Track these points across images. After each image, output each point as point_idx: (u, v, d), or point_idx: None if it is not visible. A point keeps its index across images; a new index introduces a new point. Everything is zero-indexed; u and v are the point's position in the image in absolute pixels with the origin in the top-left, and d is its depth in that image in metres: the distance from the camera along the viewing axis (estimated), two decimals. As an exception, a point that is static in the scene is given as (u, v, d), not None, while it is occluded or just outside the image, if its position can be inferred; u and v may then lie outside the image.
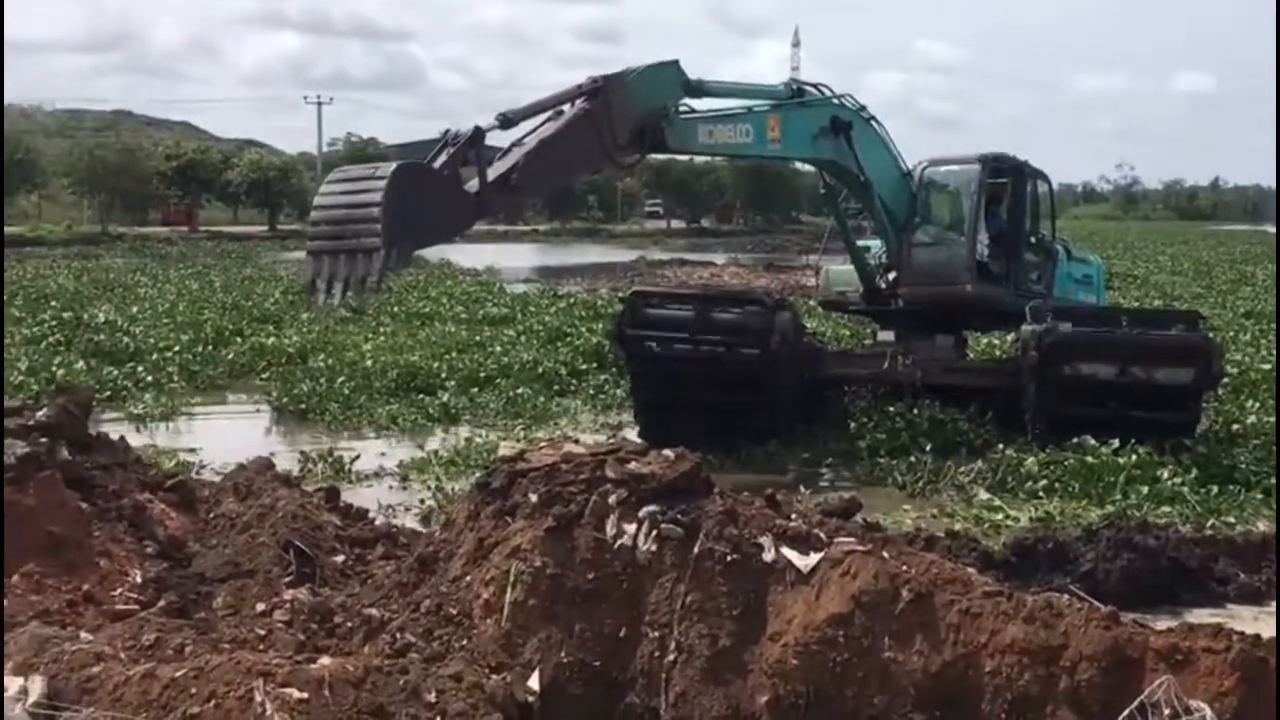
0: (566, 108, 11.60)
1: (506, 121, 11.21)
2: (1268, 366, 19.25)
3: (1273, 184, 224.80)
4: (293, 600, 6.88)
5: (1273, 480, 12.67)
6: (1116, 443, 12.82)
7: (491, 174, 10.73)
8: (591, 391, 18.20)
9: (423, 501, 12.06)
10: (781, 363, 14.13)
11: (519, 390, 17.85)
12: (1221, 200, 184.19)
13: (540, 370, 19.19)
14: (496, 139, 11.26)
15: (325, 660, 5.48)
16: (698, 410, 13.80)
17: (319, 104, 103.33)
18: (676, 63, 13.20)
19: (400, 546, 8.47)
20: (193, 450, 14.11)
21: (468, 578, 6.59)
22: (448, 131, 10.74)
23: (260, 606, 6.90)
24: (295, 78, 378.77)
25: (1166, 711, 4.93)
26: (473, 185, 10.68)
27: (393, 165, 10.15)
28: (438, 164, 10.55)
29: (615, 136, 11.93)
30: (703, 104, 13.75)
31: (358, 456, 13.77)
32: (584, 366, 19.52)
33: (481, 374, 18.97)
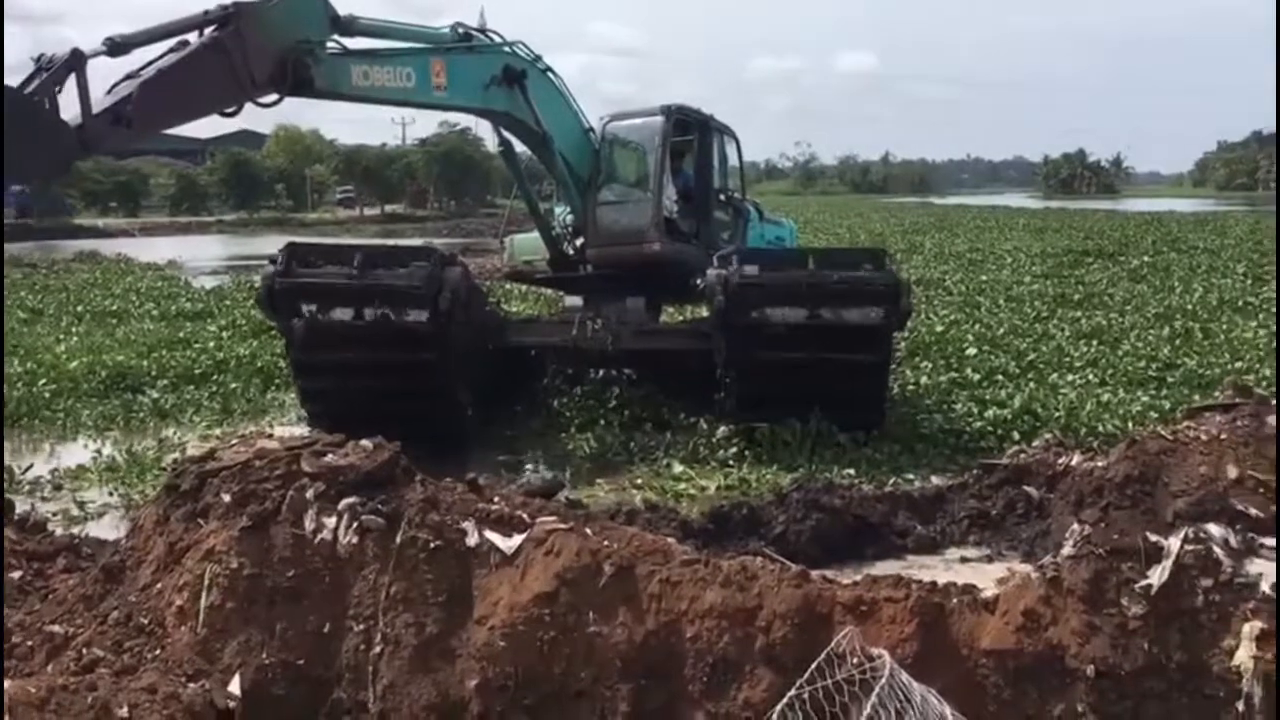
0: (192, 37, 10.15)
1: (116, 48, 9.49)
2: (940, 329, 20.58)
3: (935, 158, 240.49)
4: (-37, 624, 6.42)
5: (951, 438, 13.45)
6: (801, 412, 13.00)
7: (100, 106, 9.21)
8: (304, 383, 17.70)
9: (105, 507, 11.49)
10: (454, 325, 12.94)
11: (234, 385, 17.28)
12: (891, 174, 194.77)
13: (260, 364, 18.57)
14: (107, 70, 9.59)
15: (4, 684, 5.15)
16: (371, 397, 12.53)
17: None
18: None
19: (84, 558, 8.02)
20: None
21: (159, 585, 6.32)
22: (41, 56, 9.03)
23: (-73, 634, 6.41)
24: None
25: (853, 660, 5.21)
26: (75, 117, 9.07)
27: None
28: (29, 90, 8.85)
29: (252, 72, 10.56)
30: (357, 45, 12.15)
31: (30, 466, 12.89)
32: (304, 359, 18.95)
33: (196, 370, 18.27)
